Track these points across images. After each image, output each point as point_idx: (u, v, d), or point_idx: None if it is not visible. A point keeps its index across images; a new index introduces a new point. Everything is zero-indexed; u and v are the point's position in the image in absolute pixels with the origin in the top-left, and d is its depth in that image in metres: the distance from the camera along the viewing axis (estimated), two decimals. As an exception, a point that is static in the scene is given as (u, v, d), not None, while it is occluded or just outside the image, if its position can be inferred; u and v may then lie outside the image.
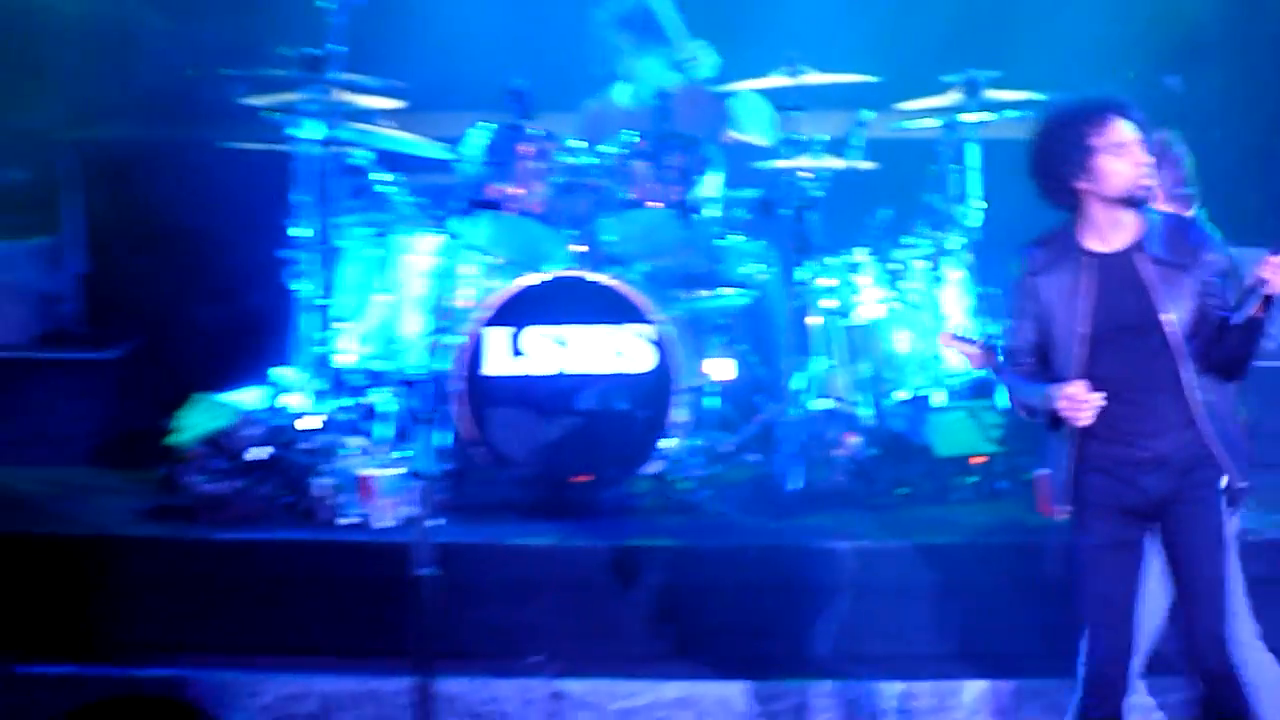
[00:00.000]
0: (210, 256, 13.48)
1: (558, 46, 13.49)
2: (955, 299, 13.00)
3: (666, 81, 13.11)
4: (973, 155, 13.09)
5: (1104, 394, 9.73)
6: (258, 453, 12.46)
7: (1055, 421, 9.97)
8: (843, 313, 12.79)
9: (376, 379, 12.60)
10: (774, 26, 13.39)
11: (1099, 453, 9.98)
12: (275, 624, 11.70)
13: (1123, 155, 9.65)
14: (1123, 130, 9.65)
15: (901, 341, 12.95)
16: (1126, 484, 9.93)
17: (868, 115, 12.96)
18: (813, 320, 12.67)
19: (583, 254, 12.41)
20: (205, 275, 13.78)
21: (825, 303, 12.73)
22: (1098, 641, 9.92)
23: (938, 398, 12.81)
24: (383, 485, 11.98)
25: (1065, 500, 10.09)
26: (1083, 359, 9.93)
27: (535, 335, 12.14)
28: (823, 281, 12.73)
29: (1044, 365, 10.01)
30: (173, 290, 13.83)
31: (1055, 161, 9.78)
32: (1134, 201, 9.74)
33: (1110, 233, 9.79)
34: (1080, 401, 9.73)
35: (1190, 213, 10.28)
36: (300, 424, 12.58)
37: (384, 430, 12.35)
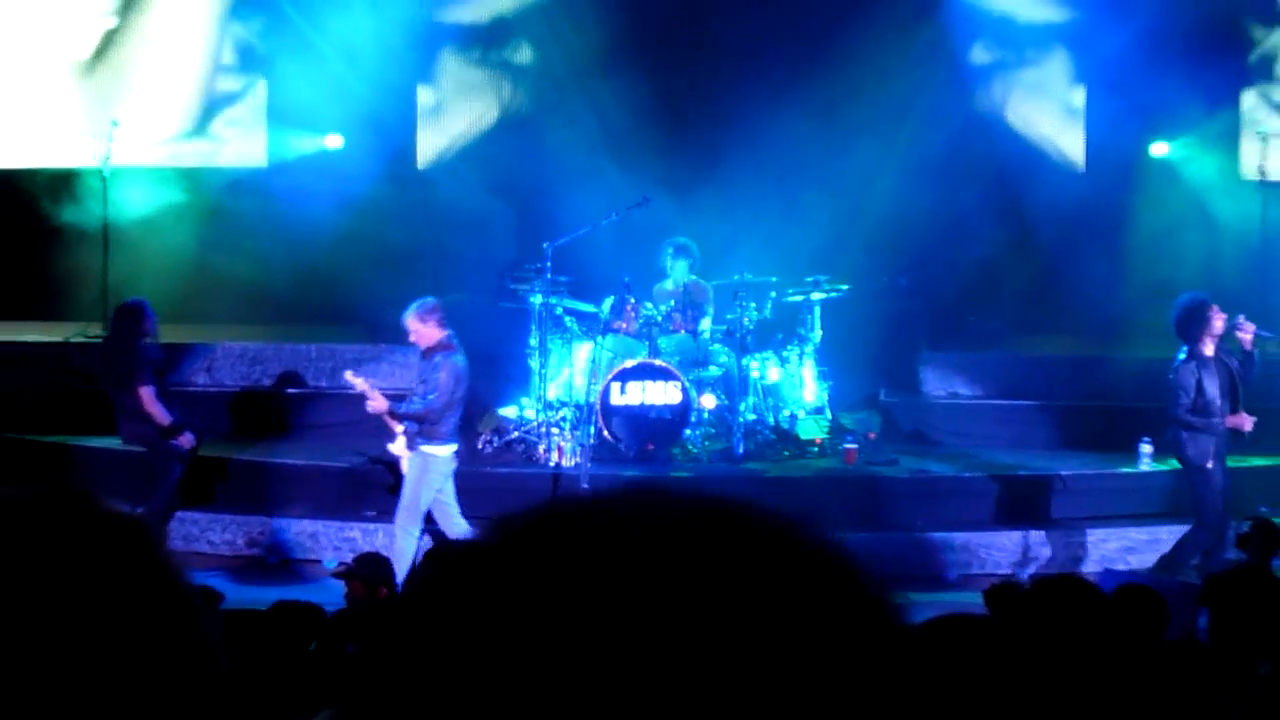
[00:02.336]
0: (492, 351, 13.18)
1: (648, 256, 13.26)
2: (810, 373, 12.77)
3: (687, 278, 12.86)
4: (817, 311, 12.76)
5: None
6: (514, 434, 12.41)
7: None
8: (762, 377, 12.62)
9: (564, 404, 12.43)
10: (732, 253, 13.23)
11: (1223, 441, 10.12)
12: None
13: (1218, 318, 9.83)
14: (1217, 309, 9.97)
15: (787, 389, 12.75)
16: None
17: (773, 293, 12.70)
18: (750, 379, 12.57)
19: (650, 352, 12.29)
20: (490, 359, 13.36)
21: (754, 372, 12.55)
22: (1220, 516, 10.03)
23: (800, 413, 12.66)
24: (568, 449, 11.91)
25: (1213, 460, 10.09)
26: (1225, 404, 10.06)
27: (632, 386, 12.01)
28: (754, 364, 12.54)
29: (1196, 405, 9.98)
30: (476, 367, 13.78)
31: (1200, 317, 9.87)
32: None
33: (1212, 348, 9.76)
34: (1246, 421, 10.04)
35: None
36: (533, 422, 12.43)
37: (567, 425, 12.23)
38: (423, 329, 10.20)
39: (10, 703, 1.31)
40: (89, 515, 1.43)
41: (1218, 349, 10.09)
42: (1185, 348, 10.09)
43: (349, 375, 10.49)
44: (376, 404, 10.14)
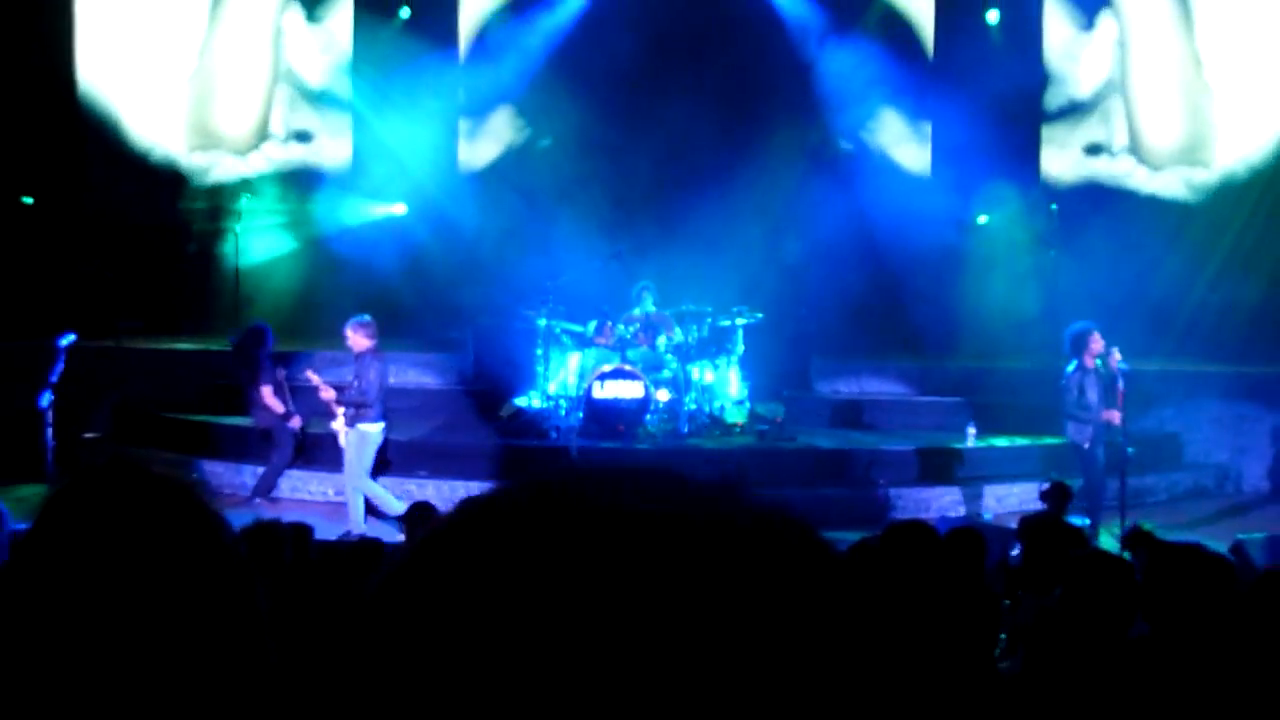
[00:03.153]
0: (510, 357, 12.98)
1: (621, 292, 13.22)
2: (734, 376, 12.81)
3: (650, 309, 12.89)
4: (740, 332, 12.67)
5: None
6: (526, 416, 12.45)
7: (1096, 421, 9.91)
8: (701, 378, 12.62)
9: (561, 396, 12.46)
10: (681, 290, 13.24)
11: (1100, 429, 9.90)
12: (527, 475, 11.48)
13: (1097, 341, 9.76)
14: (1097, 335, 9.84)
15: (718, 387, 12.71)
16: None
17: (709, 319, 12.63)
18: (692, 380, 12.55)
19: (622, 360, 12.24)
20: (508, 363, 13.19)
21: (695, 375, 12.56)
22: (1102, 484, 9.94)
23: (727, 405, 12.69)
24: (563, 426, 11.98)
25: (1097, 443, 9.93)
26: (1101, 403, 9.89)
27: (609, 384, 12.01)
28: (695, 369, 12.56)
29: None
30: (499, 369, 13.68)
31: (1084, 340, 9.86)
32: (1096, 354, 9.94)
33: (1093, 361, 9.80)
34: (1115, 416, 9.83)
35: None
36: (539, 408, 12.45)
37: (563, 411, 12.27)
38: (354, 337, 9.94)
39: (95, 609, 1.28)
40: (146, 478, 1.39)
41: (1095, 363, 10.17)
42: (1074, 361, 10.27)
43: (310, 374, 10.32)
44: (326, 394, 9.99)
